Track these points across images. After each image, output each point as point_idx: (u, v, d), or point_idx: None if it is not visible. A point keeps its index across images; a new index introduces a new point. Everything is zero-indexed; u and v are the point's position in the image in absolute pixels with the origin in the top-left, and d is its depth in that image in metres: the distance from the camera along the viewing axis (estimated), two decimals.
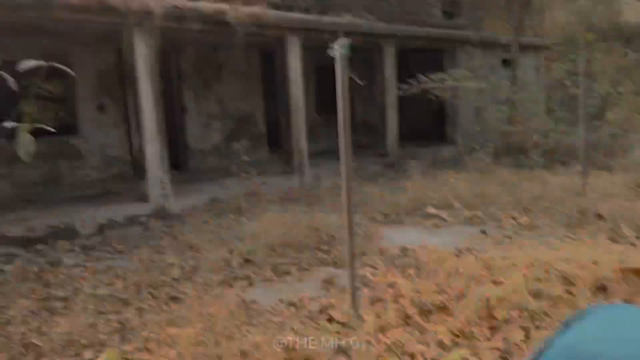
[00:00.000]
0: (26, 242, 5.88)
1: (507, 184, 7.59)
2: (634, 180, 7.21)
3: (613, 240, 5.05)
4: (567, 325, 0.89)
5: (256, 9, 8.14)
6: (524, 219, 6.10)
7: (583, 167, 6.83)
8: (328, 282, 4.48)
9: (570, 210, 6.08)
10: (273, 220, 5.77)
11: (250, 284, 4.53)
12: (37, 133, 1.71)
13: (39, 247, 5.86)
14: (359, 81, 4.27)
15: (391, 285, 4.15)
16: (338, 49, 3.47)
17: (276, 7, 8.92)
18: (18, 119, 1.72)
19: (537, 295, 3.47)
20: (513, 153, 9.73)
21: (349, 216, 3.59)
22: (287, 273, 4.76)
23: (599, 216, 5.79)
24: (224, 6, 7.65)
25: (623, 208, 5.93)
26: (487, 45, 12.23)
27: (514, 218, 6.19)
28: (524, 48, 12.56)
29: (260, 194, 7.41)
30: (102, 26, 6.91)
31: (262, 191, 7.50)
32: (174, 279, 4.64)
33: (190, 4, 7.44)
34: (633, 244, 4.88)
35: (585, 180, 6.79)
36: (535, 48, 13.93)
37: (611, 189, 6.96)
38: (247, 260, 5.05)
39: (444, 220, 6.43)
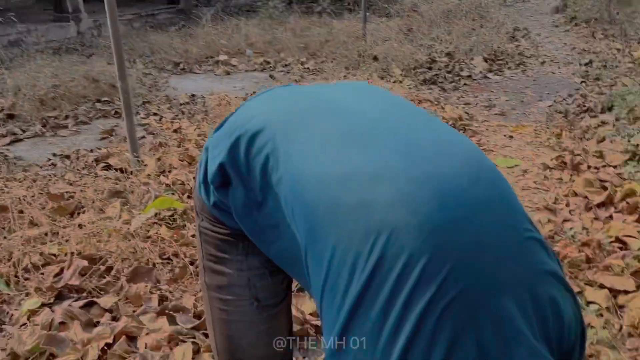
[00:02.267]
0: None
1: (298, 31, 8.06)
2: (405, 25, 8.28)
3: (382, 77, 5.88)
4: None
5: None
6: (310, 63, 6.74)
7: (363, 13, 7.58)
8: (108, 133, 4.42)
9: (351, 54, 6.78)
10: (42, 72, 5.43)
11: (16, 140, 4.29)
12: None
13: None
14: None
15: (177, 131, 4.35)
16: None
17: None
18: None
19: None
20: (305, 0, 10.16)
21: (118, 58, 3.45)
22: (62, 127, 4.59)
23: (375, 58, 6.66)
24: None
25: (394, 50, 6.81)
26: None
27: (301, 63, 6.77)
28: None
29: (25, 44, 6.81)
30: None
31: (27, 40, 6.88)
32: None
33: None
34: (400, 81, 5.82)
35: (365, 25, 7.51)
36: None
37: (386, 33, 7.84)
38: (10, 116, 4.74)
39: (235, 67, 6.81)
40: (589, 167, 3.62)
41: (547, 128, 4.55)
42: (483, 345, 0.70)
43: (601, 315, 2.22)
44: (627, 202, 2.99)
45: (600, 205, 3.05)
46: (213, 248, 1.00)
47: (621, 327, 2.15)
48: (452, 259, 0.72)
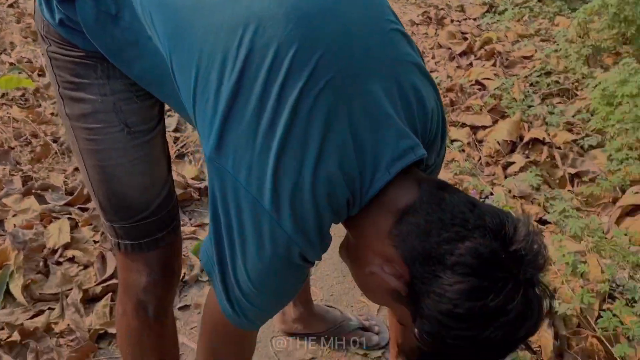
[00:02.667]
0: None
1: None
2: None
3: None
4: None
5: None
6: None
7: None
8: None
9: None
10: None
11: None
12: None
13: None
14: None
15: (12, 5, 3.84)
16: None
17: None
18: None
19: None
20: None
21: None
22: None
23: None
24: None
25: None
26: None
27: None
28: None
29: None
30: None
31: None
32: None
33: None
34: None
35: None
36: None
37: None
38: None
39: None
40: (451, 20, 3.77)
41: None
42: (355, 129, 0.71)
43: (463, 150, 2.43)
44: (485, 50, 3.19)
45: (462, 54, 3.24)
46: (68, 74, 0.88)
47: (480, 158, 2.38)
48: (320, 47, 0.70)
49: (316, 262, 0.79)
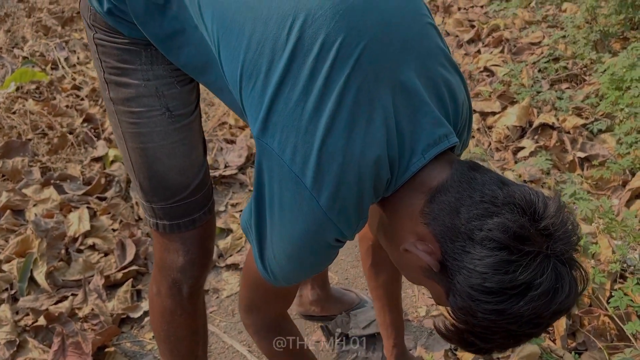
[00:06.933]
0: None
1: None
2: None
3: None
4: None
5: None
6: None
7: None
8: None
9: None
10: None
11: None
12: None
13: None
14: None
15: (22, 0, 3.94)
16: None
17: None
18: None
19: None
20: None
21: None
22: None
23: None
24: None
25: None
26: None
27: None
28: None
29: None
30: None
31: None
32: None
33: None
34: None
35: None
36: None
37: None
38: None
39: None
40: (459, 8, 3.78)
41: None
42: (397, 115, 0.76)
43: (473, 136, 2.45)
44: (493, 37, 3.20)
45: (470, 41, 3.25)
46: (113, 60, 0.92)
47: (490, 144, 2.41)
48: (364, 38, 0.74)
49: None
